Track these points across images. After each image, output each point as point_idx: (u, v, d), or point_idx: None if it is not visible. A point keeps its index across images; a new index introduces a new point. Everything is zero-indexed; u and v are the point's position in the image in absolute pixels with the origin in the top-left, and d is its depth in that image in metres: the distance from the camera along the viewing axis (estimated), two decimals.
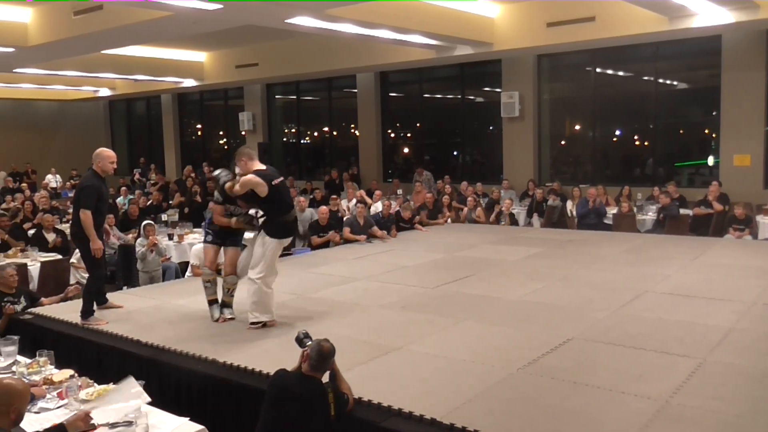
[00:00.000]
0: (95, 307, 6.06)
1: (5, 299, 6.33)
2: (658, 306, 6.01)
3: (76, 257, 8.23)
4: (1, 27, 10.85)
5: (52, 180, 18.89)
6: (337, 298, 6.67)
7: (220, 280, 6.01)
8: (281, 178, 5.67)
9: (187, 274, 8.22)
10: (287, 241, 5.79)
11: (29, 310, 6.33)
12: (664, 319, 5.59)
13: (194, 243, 8.91)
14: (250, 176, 5.45)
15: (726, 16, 10.19)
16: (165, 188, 16.07)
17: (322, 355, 3.74)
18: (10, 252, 8.73)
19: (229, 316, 5.90)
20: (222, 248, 6.00)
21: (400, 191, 14.81)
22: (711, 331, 5.22)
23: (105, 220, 6.25)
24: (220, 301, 5.97)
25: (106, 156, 5.85)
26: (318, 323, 5.62)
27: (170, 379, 4.83)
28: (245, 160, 5.64)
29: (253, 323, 5.60)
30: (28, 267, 8.07)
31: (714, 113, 12.67)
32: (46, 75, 16.41)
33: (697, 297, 6.29)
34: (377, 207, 11.92)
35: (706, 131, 13.34)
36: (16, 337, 4.81)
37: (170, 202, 14.33)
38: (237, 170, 5.75)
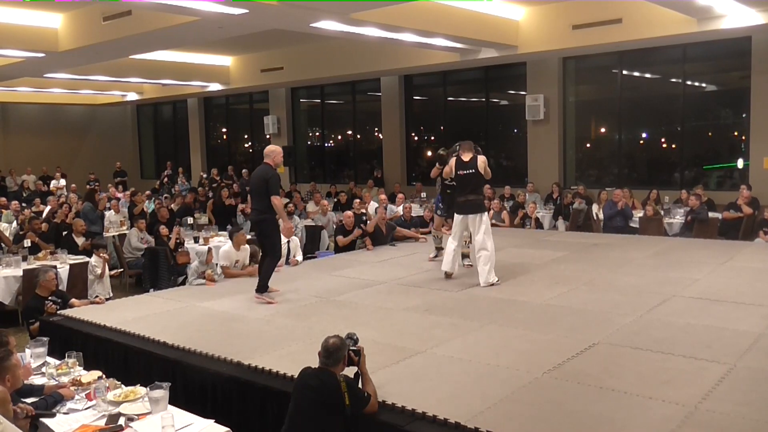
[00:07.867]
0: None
1: (46, 301, 6.47)
2: (685, 311, 5.93)
3: (98, 264, 8.22)
4: (32, 33, 11.05)
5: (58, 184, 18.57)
6: (361, 301, 6.68)
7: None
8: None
9: (217, 275, 8.25)
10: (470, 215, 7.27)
11: (59, 312, 6.44)
12: (692, 323, 5.51)
13: (219, 246, 8.93)
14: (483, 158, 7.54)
15: (755, 17, 10.03)
16: (194, 191, 16.18)
17: (327, 350, 3.86)
18: (39, 255, 8.86)
19: (467, 263, 8.00)
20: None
21: (423, 194, 14.83)
22: (740, 337, 5.13)
23: None
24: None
25: (279, 151, 6.77)
26: (342, 326, 5.62)
27: (196, 381, 4.87)
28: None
29: (489, 282, 7.10)
30: (58, 269, 8.19)
31: (744, 115, 12.48)
32: (75, 80, 16.70)
33: (726, 301, 6.19)
34: (400, 210, 11.94)
35: (736, 134, 13.13)
36: (45, 339, 4.91)
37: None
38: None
